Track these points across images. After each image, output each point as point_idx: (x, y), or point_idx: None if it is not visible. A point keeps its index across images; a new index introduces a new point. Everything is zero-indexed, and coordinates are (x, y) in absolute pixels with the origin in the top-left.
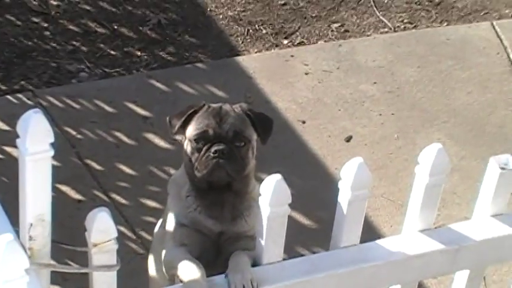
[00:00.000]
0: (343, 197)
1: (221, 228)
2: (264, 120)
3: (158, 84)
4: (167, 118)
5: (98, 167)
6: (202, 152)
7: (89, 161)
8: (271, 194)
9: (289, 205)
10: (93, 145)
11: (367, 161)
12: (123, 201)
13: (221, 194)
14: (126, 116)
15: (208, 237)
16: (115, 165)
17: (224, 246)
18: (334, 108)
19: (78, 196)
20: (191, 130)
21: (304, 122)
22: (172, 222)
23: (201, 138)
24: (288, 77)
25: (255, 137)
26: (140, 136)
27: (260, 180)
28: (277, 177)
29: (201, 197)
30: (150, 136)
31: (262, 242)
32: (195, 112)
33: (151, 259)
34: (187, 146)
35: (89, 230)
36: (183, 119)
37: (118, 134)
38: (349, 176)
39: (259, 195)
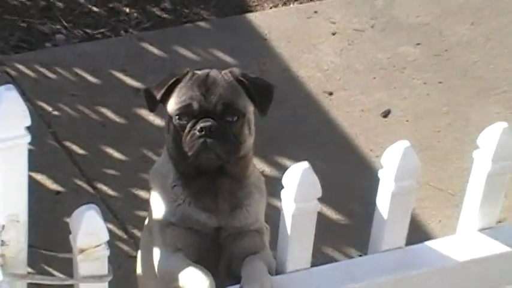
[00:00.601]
0: (385, 189)
1: (218, 222)
2: (262, 87)
3: (152, 49)
4: (143, 91)
5: (79, 151)
6: (186, 130)
7: (68, 144)
8: (296, 187)
9: (318, 198)
10: (74, 124)
11: (409, 140)
12: (111, 192)
13: (213, 180)
14: (114, 88)
15: (205, 236)
16: (100, 149)
17: (225, 245)
18: (367, 76)
19: (55, 186)
20: (173, 104)
21: (331, 94)
22: (159, 222)
23: (184, 114)
24: (310, 38)
25: (251, 108)
26: (131, 113)
27: (280, 167)
28: (304, 165)
29: (190, 186)
30: (143, 112)
31: (286, 245)
32: (178, 82)
33: (139, 257)
34: (169, 124)
35: (74, 233)
36: (162, 91)
37: (104, 110)
38: (393, 164)
39: (261, 179)
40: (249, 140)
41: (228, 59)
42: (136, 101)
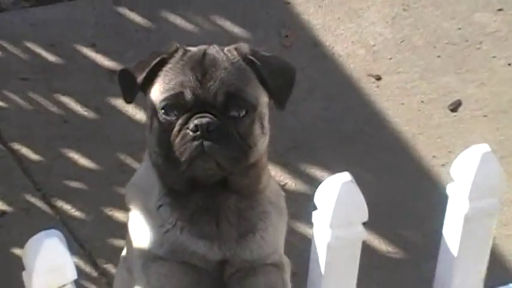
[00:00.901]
0: (456, 211)
1: (222, 254)
2: (280, 69)
3: (132, 15)
4: (117, 73)
5: (32, 156)
6: (175, 129)
7: (17, 146)
8: (333, 208)
9: (363, 223)
10: (25, 119)
11: (488, 143)
12: (76, 213)
13: (214, 196)
14: (80, 70)
15: (204, 273)
16: (61, 153)
17: (232, 286)
18: (429, 54)
19: (0, 205)
20: (157, 93)
21: (379, 79)
22: (142, 255)
23: (173, 106)
24: (351, 1)
25: (265, 99)
26: (103, 104)
27: (309, 180)
28: (344, 177)
29: (182, 205)
30: (120, 104)
31: (319, 287)
32: (164, 62)
33: None
34: (153, 120)
35: (29, 269)
36: (143, 74)
37: (66, 99)
38: (466, 176)
39: (281, 194)
40: (262, 143)
41: (236, 30)
42: (110, 88)
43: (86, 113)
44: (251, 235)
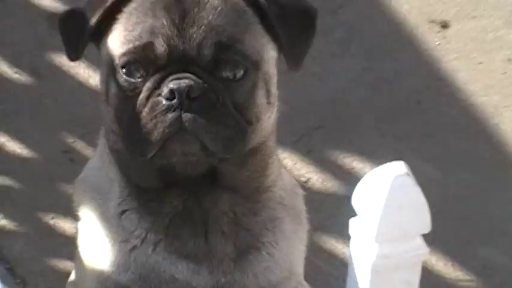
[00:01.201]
0: None
1: (213, 280)
2: (294, 12)
3: None
4: (59, 17)
5: None
6: (142, 96)
7: None
8: (381, 213)
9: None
10: None
11: None
12: (4, 222)
13: (199, 196)
14: (9, 14)
15: None
16: None
17: None
18: None
19: None
20: (116, 44)
21: (445, 27)
22: (97, 284)
23: (139, 63)
24: None
25: (271, 53)
26: (43, 63)
27: (343, 173)
28: (397, 169)
29: (154, 210)
30: (67, 63)
31: None
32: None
33: None
34: (109, 84)
35: None
36: (96, 17)
37: None
38: None
39: (298, 193)
40: (268, 117)
41: None
42: (53, 40)
43: (17, 75)
44: (255, 252)
